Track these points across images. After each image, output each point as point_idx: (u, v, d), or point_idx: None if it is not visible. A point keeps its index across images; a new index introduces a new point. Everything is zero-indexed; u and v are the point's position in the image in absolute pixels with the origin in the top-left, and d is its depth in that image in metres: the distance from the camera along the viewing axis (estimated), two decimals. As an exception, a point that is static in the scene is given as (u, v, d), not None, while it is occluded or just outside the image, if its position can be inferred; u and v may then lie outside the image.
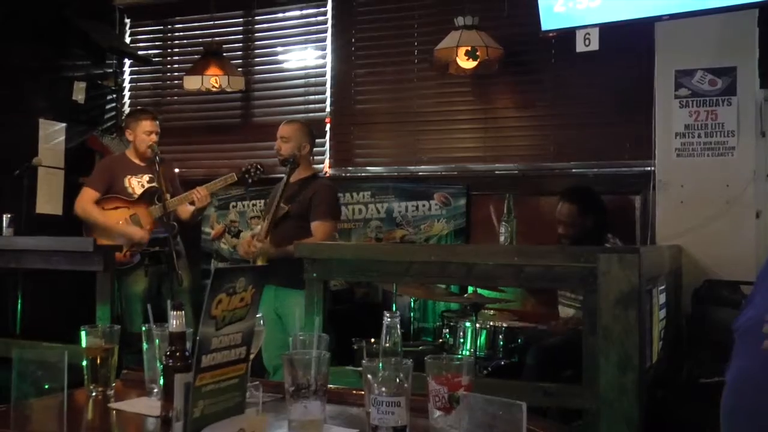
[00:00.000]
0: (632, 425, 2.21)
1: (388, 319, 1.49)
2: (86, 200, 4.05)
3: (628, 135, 4.12)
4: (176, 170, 4.46)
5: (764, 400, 1.20)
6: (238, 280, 1.30)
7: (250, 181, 4.01)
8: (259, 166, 3.99)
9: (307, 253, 2.77)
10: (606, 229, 3.70)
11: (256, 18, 5.23)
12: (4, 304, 4.37)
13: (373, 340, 3.28)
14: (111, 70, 5.48)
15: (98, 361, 1.70)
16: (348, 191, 4.71)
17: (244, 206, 4.99)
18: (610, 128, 4.20)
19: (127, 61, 5.56)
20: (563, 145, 4.35)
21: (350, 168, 4.90)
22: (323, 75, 4.98)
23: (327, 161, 4.92)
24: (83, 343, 1.71)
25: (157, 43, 5.59)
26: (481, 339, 3.65)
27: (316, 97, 5.00)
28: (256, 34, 5.25)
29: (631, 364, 2.22)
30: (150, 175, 4.07)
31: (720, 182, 3.67)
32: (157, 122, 4.16)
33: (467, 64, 4.15)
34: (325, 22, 4.98)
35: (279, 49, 5.16)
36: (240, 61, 5.20)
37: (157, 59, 5.55)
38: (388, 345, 1.47)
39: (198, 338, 1.26)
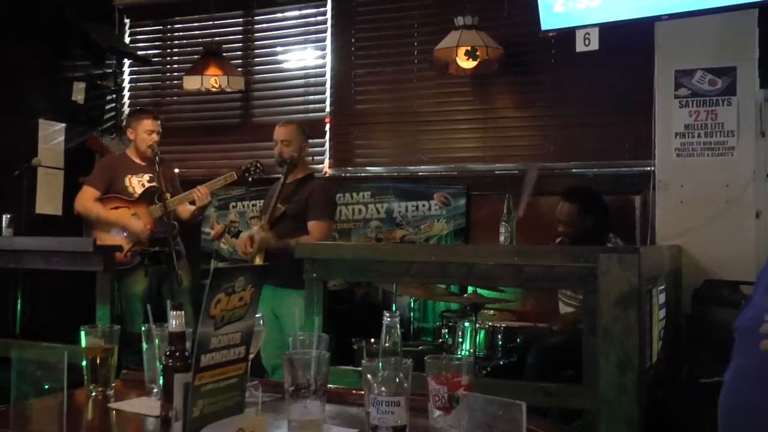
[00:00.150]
0: (632, 425, 2.20)
1: (388, 319, 1.49)
2: (86, 198, 4.05)
3: (628, 135, 4.12)
4: (176, 170, 4.46)
5: (762, 400, 1.20)
6: (237, 279, 1.30)
7: (250, 179, 4.01)
8: (258, 165, 3.99)
9: (308, 254, 2.77)
10: (608, 229, 3.70)
11: (256, 18, 5.23)
12: (3, 304, 4.37)
13: (372, 340, 3.28)
14: (110, 71, 5.48)
15: (98, 361, 1.70)
16: (348, 191, 4.72)
17: (243, 206, 4.99)
18: (609, 128, 4.20)
19: (127, 62, 5.57)
20: (563, 145, 4.35)
21: (350, 168, 4.90)
22: (323, 75, 4.98)
23: (327, 161, 4.92)
24: (83, 343, 1.71)
25: (156, 43, 5.59)
26: (481, 339, 3.65)
27: (316, 97, 5.00)
28: (256, 34, 5.25)
29: (631, 364, 2.22)
30: (150, 175, 4.07)
31: (720, 182, 3.67)
32: (159, 122, 4.16)
33: (467, 64, 4.15)
34: (324, 22, 4.98)
35: (279, 49, 5.16)
36: (240, 61, 5.20)
37: (156, 59, 5.55)
38: (387, 345, 1.46)
39: (197, 338, 1.26)
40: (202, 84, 4.79)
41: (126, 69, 5.60)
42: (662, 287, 3.12)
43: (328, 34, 4.96)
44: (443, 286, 3.95)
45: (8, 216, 3.87)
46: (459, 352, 3.60)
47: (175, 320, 1.37)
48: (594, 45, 3.48)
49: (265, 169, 4.08)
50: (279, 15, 5.19)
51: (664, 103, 3.80)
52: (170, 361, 1.34)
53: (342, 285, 4.27)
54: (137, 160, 4.15)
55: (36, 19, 4.85)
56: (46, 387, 1.33)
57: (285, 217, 3.63)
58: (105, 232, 4.01)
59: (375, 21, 4.86)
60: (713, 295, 3.45)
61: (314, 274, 2.72)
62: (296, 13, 5.10)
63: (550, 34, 3.74)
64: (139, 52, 5.48)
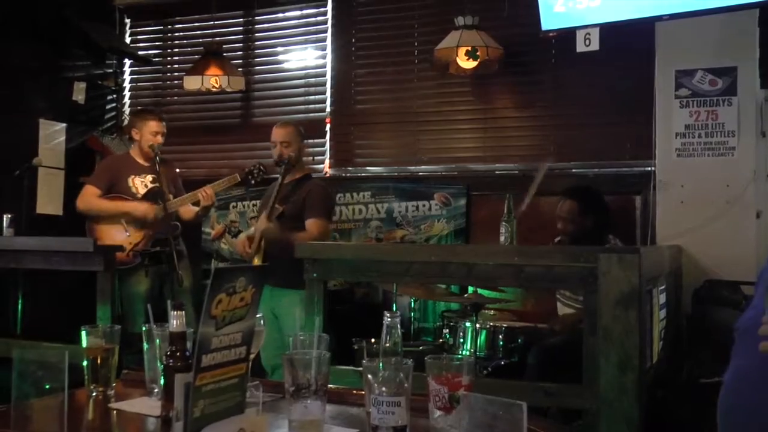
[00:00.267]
0: (632, 425, 2.21)
1: (389, 319, 1.49)
2: (88, 195, 4.05)
3: (628, 135, 4.12)
4: (176, 170, 4.46)
5: (761, 400, 1.20)
6: (237, 279, 1.30)
7: (252, 182, 4.02)
8: (261, 167, 4.00)
9: (308, 254, 2.77)
10: (608, 230, 3.70)
11: (257, 18, 5.23)
12: (4, 304, 4.37)
13: (373, 340, 3.28)
14: (111, 71, 5.48)
15: (99, 361, 1.69)
16: (348, 191, 4.72)
17: (244, 206, 4.99)
18: (610, 128, 4.20)
19: (128, 62, 5.57)
20: (563, 145, 4.35)
21: (350, 168, 4.91)
22: (323, 75, 4.98)
23: (327, 161, 4.92)
24: (84, 343, 1.71)
25: (157, 43, 5.59)
26: (481, 339, 3.65)
27: (316, 97, 5.00)
28: (257, 34, 5.25)
29: (632, 364, 2.22)
30: (154, 176, 4.07)
31: (720, 182, 3.67)
32: (164, 123, 4.16)
33: (467, 64, 4.15)
34: (325, 22, 4.98)
35: (279, 49, 5.16)
36: (240, 61, 5.20)
37: (157, 59, 5.55)
38: (388, 345, 1.46)
39: (198, 338, 1.26)
40: (202, 84, 4.79)
41: (126, 69, 5.60)
42: (663, 287, 3.12)
43: (329, 34, 4.96)
44: (443, 286, 3.95)
45: (9, 216, 3.87)
46: (459, 352, 3.60)
47: (176, 320, 1.37)
48: (594, 45, 3.48)
49: (267, 171, 4.08)
50: (279, 15, 5.20)
51: (665, 104, 3.80)
52: (171, 361, 1.34)
53: (342, 285, 4.27)
54: (140, 161, 4.15)
55: (36, 19, 4.85)
56: (47, 387, 1.33)
57: (283, 217, 3.64)
58: (108, 226, 4.00)
59: (375, 21, 4.86)
60: (713, 295, 3.45)
61: (314, 274, 2.72)
62: (297, 13, 5.10)
63: (551, 34, 3.74)
64: (140, 52, 5.49)
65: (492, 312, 4.13)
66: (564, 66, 4.29)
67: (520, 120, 4.52)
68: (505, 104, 4.56)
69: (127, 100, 5.60)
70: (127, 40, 5.56)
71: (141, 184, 4.08)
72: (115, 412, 1.60)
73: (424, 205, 4.57)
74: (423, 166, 4.69)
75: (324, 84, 4.97)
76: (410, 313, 4.31)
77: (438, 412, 1.31)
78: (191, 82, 4.83)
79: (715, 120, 3.70)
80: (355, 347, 3.59)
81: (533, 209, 4.22)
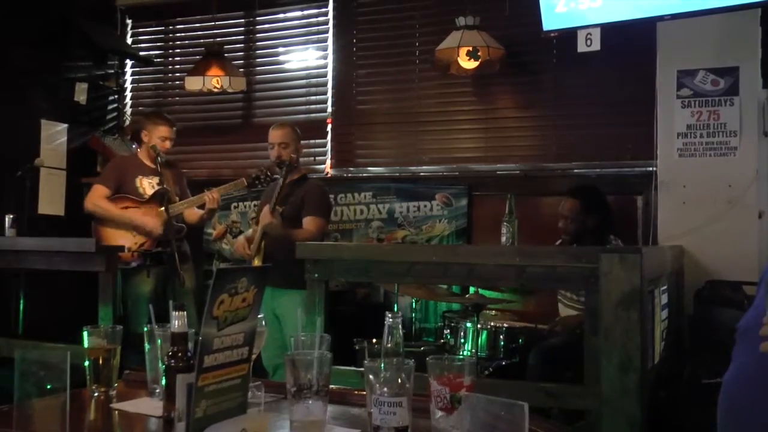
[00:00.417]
0: (634, 426, 2.20)
1: (390, 320, 1.49)
2: (97, 196, 4.06)
3: (629, 135, 4.12)
4: (183, 173, 4.48)
5: (761, 400, 1.20)
6: (239, 280, 1.30)
7: (259, 187, 4.04)
8: (268, 173, 4.01)
9: (309, 254, 2.77)
10: (609, 230, 3.70)
11: (258, 18, 5.24)
12: (6, 304, 4.38)
13: (374, 340, 3.28)
14: (112, 71, 5.48)
15: (100, 362, 1.70)
16: (349, 192, 4.72)
17: (245, 207, 4.99)
18: (611, 128, 4.20)
19: (129, 62, 5.57)
20: (565, 145, 4.35)
21: (351, 168, 4.91)
22: (324, 75, 4.98)
23: (328, 162, 4.92)
24: (85, 344, 1.71)
25: (158, 44, 5.59)
26: (483, 339, 3.65)
27: (318, 97, 5.00)
28: (258, 35, 5.25)
29: (633, 364, 2.22)
30: (161, 177, 4.10)
31: (722, 182, 3.67)
32: (175, 129, 4.18)
33: (468, 64, 4.15)
34: (326, 23, 4.98)
35: (280, 49, 5.16)
36: (241, 61, 5.21)
37: (158, 60, 5.56)
38: (389, 345, 1.46)
39: (200, 339, 1.26)
40: (203, 84, 4.79)
41: (128, 70, 5.61)
42: (664, 288, 3.12)
43: (330, 35, 4.97)
44: (445, 286, 3.95)
45: (11, 216, 3.88)
46: (461, 353, 3.60)
47: (178, 321, 1.37)
48: (596, 45, 3.48)
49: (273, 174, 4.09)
50: (280, 16, 5.20)
51: (667, 104, 3.80)
52: (173, 361, 1.34)
53: (344, 285, 4.27)
54: (148, 162, 4.16)
55: (38, 21, 4.86)
56: (49, 387, 1.33)
57: (282, 218, 3.64)
58: (114, 229, 4.02)
59: (376, 21, 4.86)
60: (715, 296, 3.45)
61: (316, 275, 2.72)
62: (298, 13, 5.11)
63: (552, 34, 3.74)
64: (141, 53, 5.49)
65: (493, 312, 4.12)
66: (565, 66, 4.29)
67: (522, 120, 4.52)
68: (507, 104, 4.55)
69: (128, 101, 5.61)
70: (129, 40, 5.56)
71: (148, 185, 4.10)
72: (116, 412, 1.61)
73: (425, 206, 4.57)
74: (424, 167, 4.68)
75: (325, 84, 4.98)
76: (411, 313, 4.30)
77: (439, 413, 1.31)
78: (192, 83, 4.84)
79: (716, 120, 3.70)
80: (357, 348, 3.59)
81: (535, 210, 4.23)
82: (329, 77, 4.96)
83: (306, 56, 5.07)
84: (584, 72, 4.17)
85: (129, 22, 5.56)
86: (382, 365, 1.36)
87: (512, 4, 4.28)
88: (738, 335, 1.34)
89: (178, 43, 5.57)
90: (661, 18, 3.47)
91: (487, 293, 3.82)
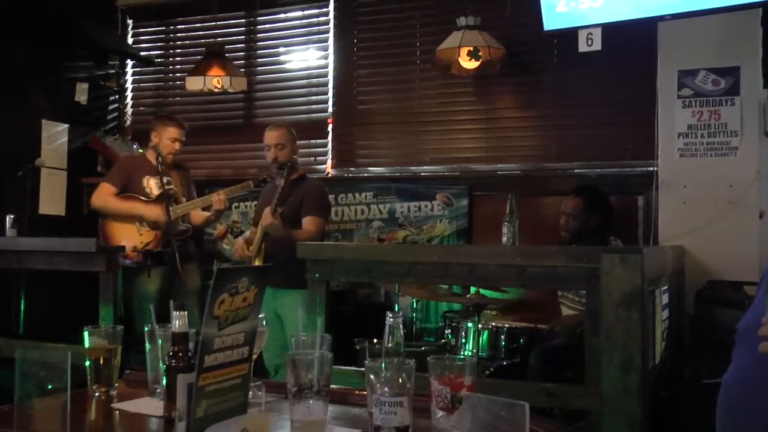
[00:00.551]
0: (635, 426, 2.20)
1: (391, 320, 1.49)
2: (104, 193, 4.09)
3: (630, 135, 4.12)
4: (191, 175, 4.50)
5: (761, 400, 1.20)
6: (240, 279, 1.30)
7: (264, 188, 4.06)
8: (273, 174, 4.02)
9: (310, 254, 2.77)
10: (610, 231, 3.70)
11: (258, 18, 5.24)
12: (7, 304, 4.38)
13: (375, 340, 3.28)
14: (113, 71, 5.48)
15: (101, 362, 1.70)
16: (350, 192, 4.72)
17: (246, 207, 4.99)
18: (612, 128, 4.20)
19: (130, 62, 5.57)
20: (566, 145, 4.35)
21: (352, 168, 4.91)
22: (325, 75, 4.98)
23: (329, 162, 4.92)
24: (86, 344, 1.71)
25: (159, 44, 5.59)
26: (483, 339, 3.65)
27: (319, 97, 5.00)
28: (259, 35, 5.25)
29: (634, 364, 2.22)
30: (168, 178, 4.13)
31: (723, 182, 3.67)
32: (184, 131, 4.19)
33: (469, 64, 4.15)
34: (327, 23, 4.98)
35: (281, 49, 5.16)
36: (242, 61, 5.21)
37: (159, 60, 5.56)
38: (390, 345, 1.46)
39: (201, 338, 1.26)
40: (204, 84, 4.80)
41: (129, 70, 5.61)
42: (665, 288, 3.12)
43: (331, 35, 4.97)
44: (445, 286, 3.95)
45: (12, 216, 3.88)
46: (462, 353, 3.60)
47: (178, 321, 1.37)
48: (597, 45, 3.48)
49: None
50: (281, 16, 5.20)
51: (667, 104, 3.80)
52: (173, 361, 1.34)
53: (344, 285, 4.27)
54: (155, 163, 4.18)
55: (39, 21, 4.86)
56: (50, 387, 1.33)
57: (282, 219, 3.65)
58: (122, 225, 4.04)
59: (377, 21, 4.86)
60: (716, 296, 3.45)
61: (316, 275, 2.72)
62: (299, 13, 5.11)
63: (553, 34, 3.73)
64: (142, 53, 5.49)
65: (494, 312, 4.12)
66: (566, 66, 4.29)
67: (523, 120, 4.52)
68: (507, 104, 4.55)
69: (129, 101, 5.61)
70: (130, 40, 5.57)
71: (156, 185, 4.11)
72: (117, 412, 1.61)
73: (426, 206, 4.57)
74: (425, 167, 4.68)
75: (326, 84, 4.98)
76: (412, 313, 4.30)
77: (440, 413, 1.31)
78: (193, 83, 4.84)
79: (717, 120, 3.69)
80: (358, 348, 3.59)
81: (536, 210, 4.23)
82: (330, 77, 4.96)
83: (307, 56, 5.07)
84: (585, 72, 4.17)
85: (130, 22, 5.56)
86: (383, 365, 1.36)
87: (513, 4, 4.28)
88: (738, 336, 1.34)
89: (179, 43, 5.57)
90: (661, 18, 3.47)
91: (488, 293, 3.82)
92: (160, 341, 1.63)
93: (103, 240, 4.04)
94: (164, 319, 1.64)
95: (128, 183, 4.11)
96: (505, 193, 3.34)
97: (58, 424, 1.32)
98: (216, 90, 4.84)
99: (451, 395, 1.29)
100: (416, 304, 4.30)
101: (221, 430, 1.21)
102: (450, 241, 4.47)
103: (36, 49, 4.87)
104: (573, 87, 4.33)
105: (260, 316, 1.48)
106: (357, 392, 1.63)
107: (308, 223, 3.66)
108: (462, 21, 4.16)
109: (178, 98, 5.50)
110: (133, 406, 1.62)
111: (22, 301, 4.34)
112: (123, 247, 3.76)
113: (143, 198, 4.07)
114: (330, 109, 4.96)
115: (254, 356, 1.44)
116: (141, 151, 5.01)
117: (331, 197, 4.21)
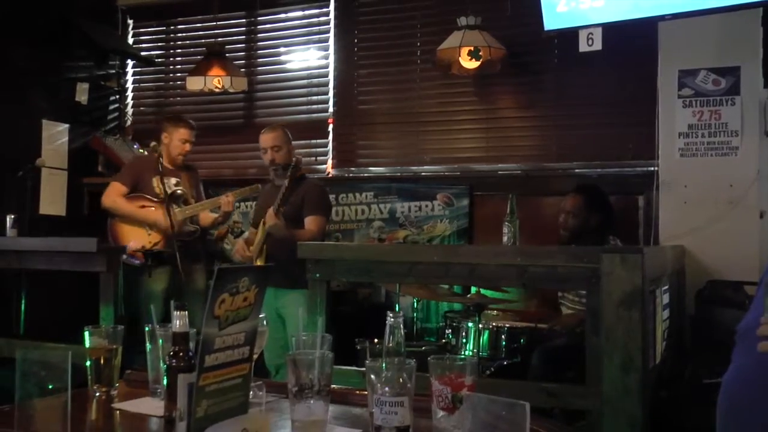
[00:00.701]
0: (635, 426, 2.20)
1: (391, 320, 1.49)
2: (114, 193, 4.13)
3: (631, 135, 4.12)
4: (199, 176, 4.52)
5: (761, 400, 1.20)
6: (241, 279, 1.30)
7: None
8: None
9: (310, 254, 2.77)
10: (610, 231, 3.69)
11: (259, 18, 5.24)
12: (7, 304, 4.38)
13: (376, 340, 3.28)
14: (114, 71, 5.48)
15: (102, 362, 1.70)
16: (351, 192, 4.72)
17: (247, 207, 4.99)
18: (613, 128, 4.20)
19: (130, 62, 5.57)
20: (566, 145, 4.34)
21: (353, 168, 4.91)
22: (326, 75, 4.98)
23: (330, 162, 4.92)
24: (87, 344, 1.71)
25: (159, 44, 5.59)
26: (484, 339, 3.65)
27: (319, 97, 5.00)
28: (259, 35, 5.25)
29: (635, 364, 2.22)
30: (178, 179, 4.16)
31: (723, 182, 3.67)
32: (195, 132, 4.22)
33: (470, 64, 4.15)
34: (327, 23, 4.98)
35: (282, 49, 5.16)
36: (243, 61, 5.21)
37: (159, 60, 5.56)
38: (391, 345, 1.46)
39: (201, 338, 1.26)
40: (205, 85, 4.80)
41: (129, 70, 5.61)
42: (665, 288, 3.12)
43: (331, 35, 4.97)
44: (446, 286, 3.95)
45: (12, 216, 3.88)
46: (462, 353, 3.59)
47: (179, 320, 1.38)
48: (597, 45, 3.48)
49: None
50: (282, 16, 5.20)
51: (668, 103, 3.79)
52: (174, 361, 1.34)
53: (345, 285, 4.27)
54: (166, 164, 4.19)
55: (39, 21, 4.86)
56: (50, 387, 1.33)
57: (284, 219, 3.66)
58: (130, 226, 4.09)
59: (378, 21, 4.86)
60: (717, 296, 3.45)
61: (317, 275, 2.73)
62: (299, 13, 5.11)
63: (553, 34, 3.73)
64: (142, 53, 5.49)
65: (495, 312, 4.12)
66: (567, 66, 4.29)
67: (523, 120, 4.52)
68: (508, 104, 4.55)
69: (129, 101, 5.61)
70: (130, 40, 5.56)
71: (166, 185, 4.13)
72: (118, 412, 1.61)
73: (426, 206, 4.57)
74: (425, 167, 4.68)
75: (326, 84, 4.98)
76: (413, 313, 4.30)
77: (441, 413, 1.31)
78: (194, 83, 4.84)
79: (718, 120, 3.69)
80: (358, 348, 3.59)
81: (536, 210, 4.23)
82: (330, 77, 4.96)
83: (307, 56, 5.07)
84: (585, 72, 4.17)
85: (130, 22, 5.56)
86: (384, 365, 1.36)
87: (513, 4, 4.28)
88: (738, 337, 1.34)
89: (180, 43, 5.57)
90: (662, 18, 3.47)
91: (489, 293, 3.82)
92: (160, 341, 1.63)
93: (112, 239, 4.08)
94: (170, 319, 1.64)
95: (138, 182, 4.15)
96: (506, 193, 3.34)
97: (58, 424, 1.32)
98: (216, 90, 4.84)
99: (451, 395, 1.29)
100: (417, 304, 4.30)
101: (222, 430, 1.21)
102: (450, 241, 4.47)
103: (36, 49, 4.87)
104: (573, 87, 4.33)
105: (261, 315, 1.48)
106: (358, 392, 1.63)
107: (310, 222, 3.67)
108: (462, 21, 4.16)
109: (178, 98, 5.50)
110: (133, 406, 1.62)
111: (23, 301, 4.34)
112: (124, 248, 3.78)
113: (152, 198, 4.11)
114: (330, 109, 4.96)
115: (255, 356, 1.44)
116: (142, 151, 5.02)
117: (331, 197, 4.22)
